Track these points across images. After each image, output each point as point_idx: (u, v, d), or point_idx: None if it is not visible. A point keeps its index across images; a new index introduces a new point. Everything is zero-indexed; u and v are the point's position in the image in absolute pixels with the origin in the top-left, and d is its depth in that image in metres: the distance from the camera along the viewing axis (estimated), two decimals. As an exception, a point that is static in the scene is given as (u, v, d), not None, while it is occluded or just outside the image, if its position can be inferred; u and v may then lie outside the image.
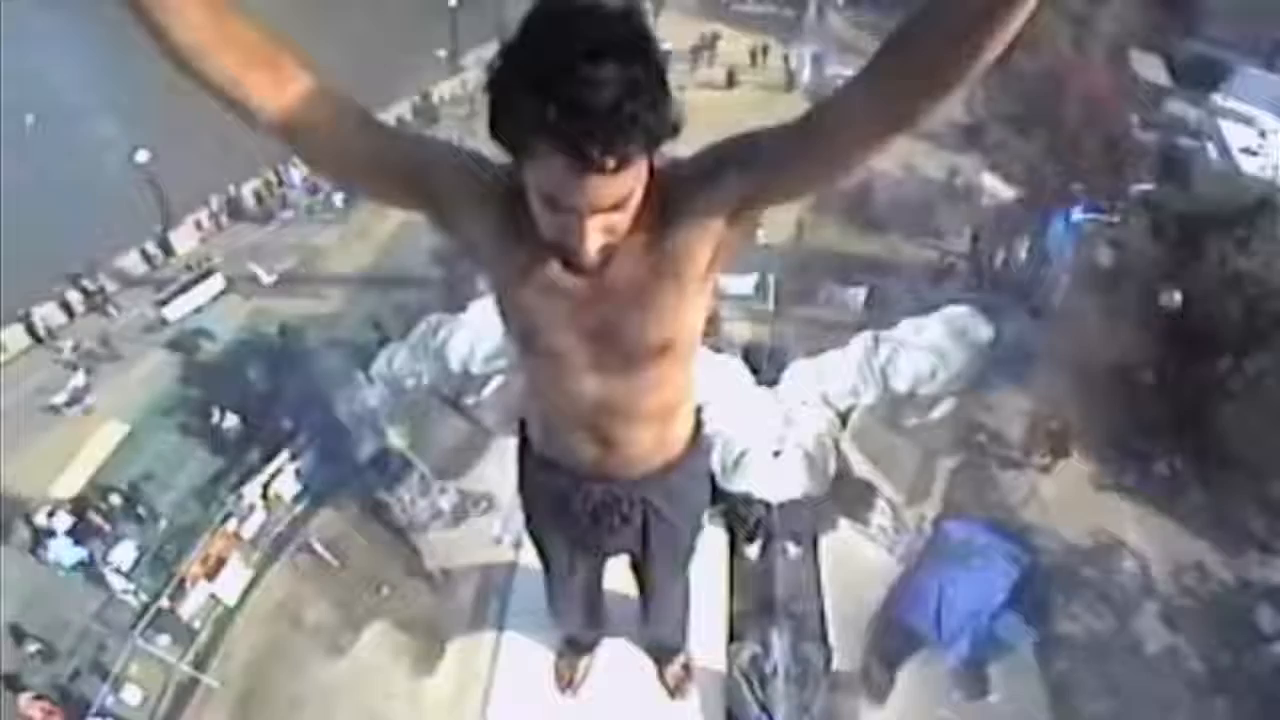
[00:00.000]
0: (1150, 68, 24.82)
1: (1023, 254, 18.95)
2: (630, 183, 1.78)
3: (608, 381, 2.44)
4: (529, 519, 3.51)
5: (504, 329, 2.38)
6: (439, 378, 13.08)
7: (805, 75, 27.18)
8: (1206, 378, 14.08)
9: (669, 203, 1.98)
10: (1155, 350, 14.17)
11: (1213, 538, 13.09)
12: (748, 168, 1.90)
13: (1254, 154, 21.50)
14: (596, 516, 3.00)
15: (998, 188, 21.15)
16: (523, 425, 3.12)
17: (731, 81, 26.75)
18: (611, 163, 1.65)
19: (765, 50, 28.42)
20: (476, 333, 12.74)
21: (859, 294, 17.58)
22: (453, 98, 25.76)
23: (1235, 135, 22.48)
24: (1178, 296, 14.46)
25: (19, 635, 12.77)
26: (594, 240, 1.85)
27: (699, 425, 3.08)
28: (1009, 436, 14.16)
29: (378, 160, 1.95)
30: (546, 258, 2.02)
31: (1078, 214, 19.12)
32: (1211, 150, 22.36)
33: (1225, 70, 24.90)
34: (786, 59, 28.06)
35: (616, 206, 1.82)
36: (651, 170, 1.84)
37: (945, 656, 10.68)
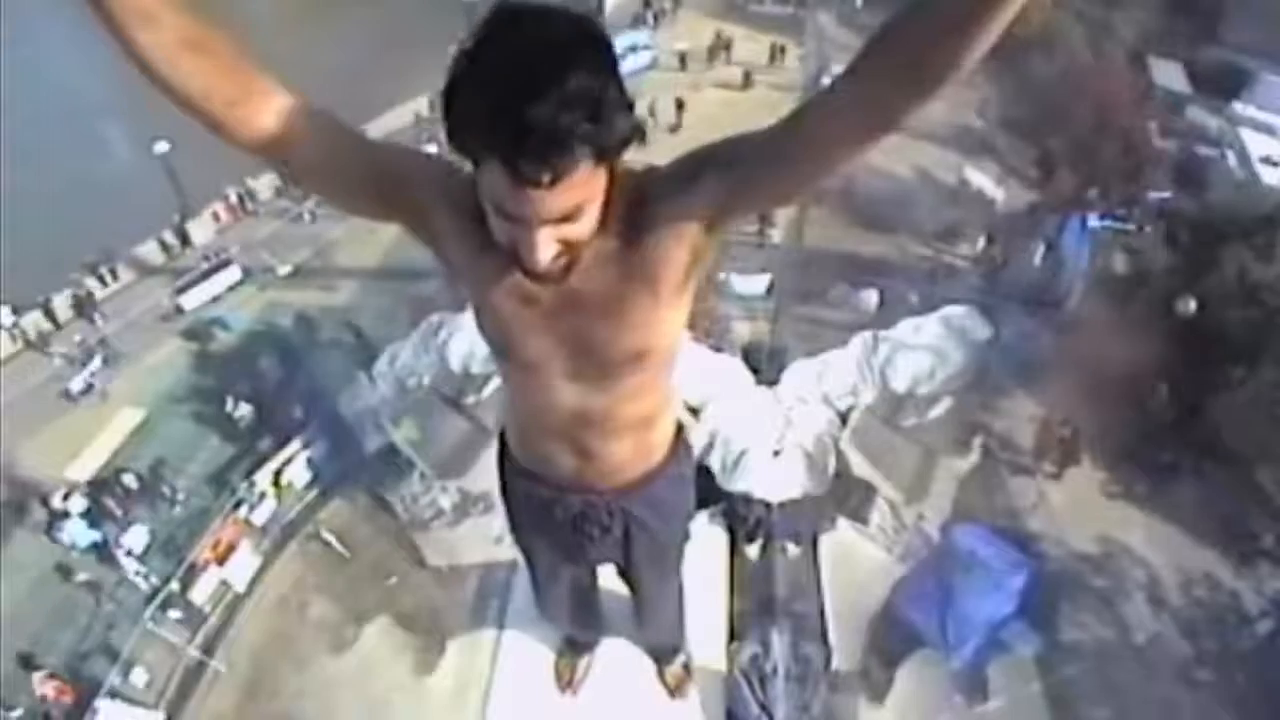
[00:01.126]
0: (1170, 75, 24.53)
1: (1038, 259, 18.85)
2: (577, 196, 1.70)
3: (584, 391, 2.41)
4: (512, 526, 3.47)
5: (482, 338, 2.37)
6: (440, 377, 13.08)
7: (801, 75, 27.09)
8: (1219, 386, 14.01)
9: (644, 209, 1.94)
10: (1169, 358, 14.09)
11: (1222, 547, 13.04)
12: (726, 172, 1.86)
13: (1275, 164, 21.24)
14: (576, 527, 2.99)
15: (986, 185, 21.03)
16: (502, 434, 3.10)
17: (748, 81, 26.70)
18: (547, 178, 1.59)
19: (783, 50, 28.31)
20: (476, 333, 12.75)
21: (872, 295, 17.53)
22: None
23: (1256, 144, 22.27)
24: (1193, 304, 14.37)
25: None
26: (544, 251, 1.78)
27: (679, 433, 3.04)
28: (1019, 443, 14.10)
29: (352, 172, 1.93)
30: (514, 266, 1.93)
31: (1094, 220, 18.99)
32: (1231, 159, 22.15)
33: (1246, 78, 24.60)
34: (804, 59, 27.97)
35: (567, 218, 1.75)
36: (613, 178, 1.79)
37: (950, 662, 10.65)
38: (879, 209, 19.54)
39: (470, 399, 12.75)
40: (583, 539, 3.01)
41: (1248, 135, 22.55)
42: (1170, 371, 14.08)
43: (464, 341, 12.59)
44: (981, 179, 21.13)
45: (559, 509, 2.93)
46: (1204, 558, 12.91)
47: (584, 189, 1.71)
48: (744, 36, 28.40)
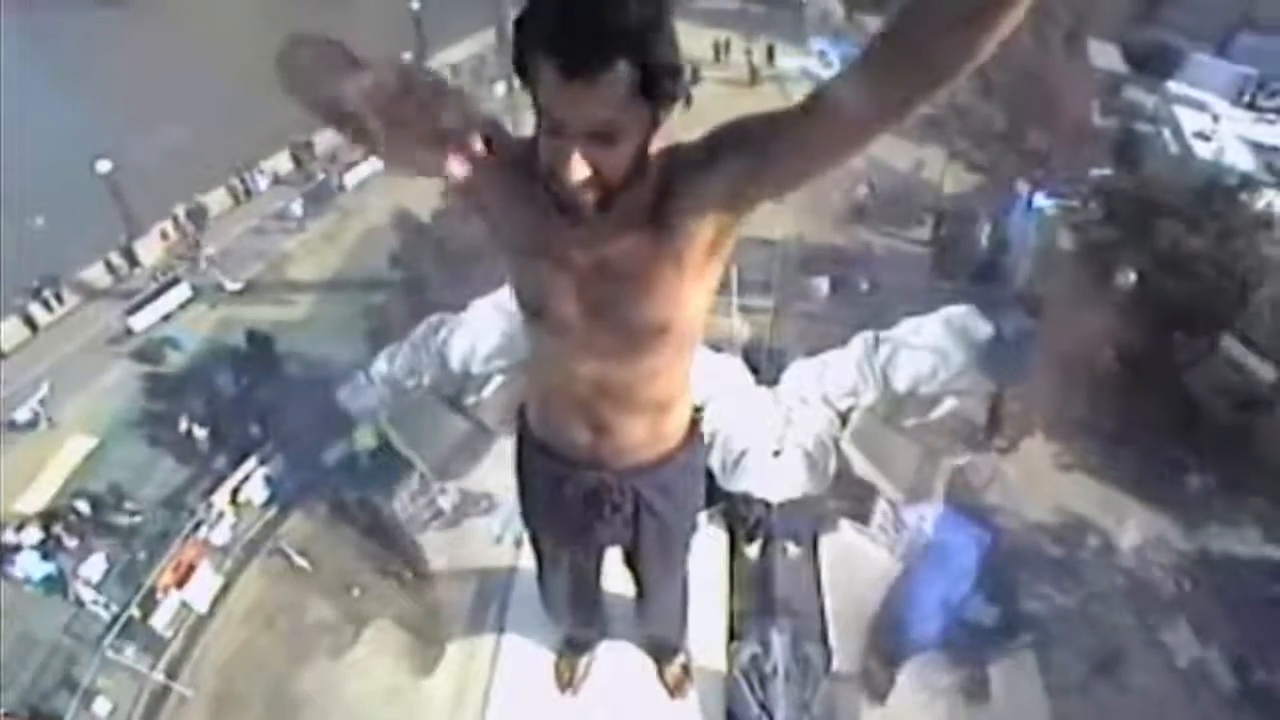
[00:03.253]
0: (1107, 56, 25.27)
1: (984, 240, 19.21)
2: (613, 111, 1.79)
3: (606, 363, 2.48)
4: (524, 505, 3.50)
5: (512, 298, 2.44)
6: (440, 377, 12.99)
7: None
8: (1166, 355, 14.37)
9: (670, 182, 2.03)
10: (1116, 331, 14.45)
11: (1174, 512, 13.33)
12: (743, 150, 1.93)
13: (1207, 139, 21.97)
14: (588, 504, 3.02)
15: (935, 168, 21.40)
16: (522, 411, 3.14)
17: (695, 77, 26.71)
18: (593, 65, 1.69)
19: (727, 45, 28.46)
20: (476, 333, 12.64)
21: (823, 283, 17.71)
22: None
23: (1189, 120, 22.97)
24: (1132, 276, 14.78)
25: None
26: (578, 167, 1.84)
27: (694, 423, 3.10)
28: (974, 418, 14.25)
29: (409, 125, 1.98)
30: (551, 219, 2.05)
31: (1039, 199, 19.44)
32: (1167, 135, 22.84)
33: (1179, 57, 25.41)
34: (749, 54, 28.15)
35: (605, 139, 1.83)
36: (654, 126, 1.89)
37: (917, 642, 10.79)
38: (828, 195, 19.73)
39: (470, 399, 12.62)
40: (593, 517, 3.06)
41: (1181, 112, 23.26)
42: (1118, 342, 14.44)
43: (464, 341, 12.47)
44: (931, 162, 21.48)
45: (571, 485, 2.99)
46: (1157, 523, 13.21)
47: (622, 110, 1.80)
48: (688, 33, 28.43)
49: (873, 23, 29.28)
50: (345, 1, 27.71)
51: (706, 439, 9.56)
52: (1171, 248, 15.15)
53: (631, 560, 3.82)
